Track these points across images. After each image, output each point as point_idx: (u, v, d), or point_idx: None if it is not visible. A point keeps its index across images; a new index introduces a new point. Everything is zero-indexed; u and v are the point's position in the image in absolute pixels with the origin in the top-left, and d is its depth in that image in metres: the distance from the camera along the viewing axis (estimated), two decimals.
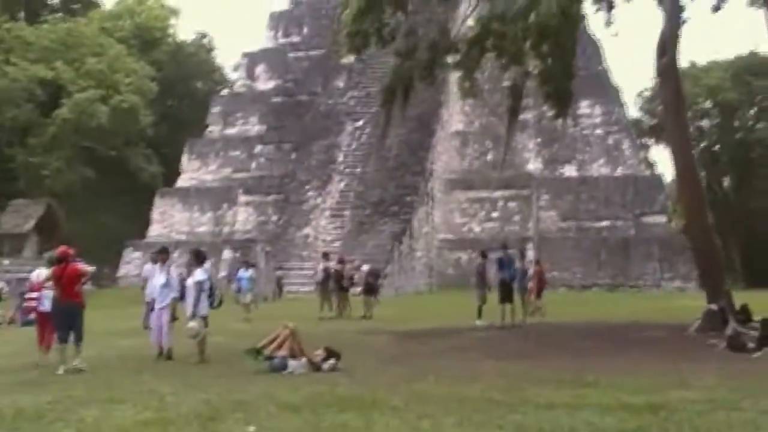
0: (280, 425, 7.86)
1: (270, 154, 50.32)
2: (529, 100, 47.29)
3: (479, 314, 20.98)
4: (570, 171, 46.51)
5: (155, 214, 51.62)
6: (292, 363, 11.99)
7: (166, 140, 59.66)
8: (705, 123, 61.38)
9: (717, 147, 61.38)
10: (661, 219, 44.19)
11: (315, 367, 12.05)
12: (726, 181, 63.98)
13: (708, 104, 59.48)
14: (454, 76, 45.06)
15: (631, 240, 42.76)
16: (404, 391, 9.94)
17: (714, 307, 17.98)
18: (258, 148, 50.87)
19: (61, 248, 12.84)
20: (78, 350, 12.70)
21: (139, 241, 50.33)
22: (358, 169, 44.19)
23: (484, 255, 22.35)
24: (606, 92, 48.26)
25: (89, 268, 13.25)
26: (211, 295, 13.32)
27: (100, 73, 53.42)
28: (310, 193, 43.65)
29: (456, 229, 45.53)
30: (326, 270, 24.33)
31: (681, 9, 19.89)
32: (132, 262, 49.61)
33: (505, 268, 20.81)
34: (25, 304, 14.08)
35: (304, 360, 12.06)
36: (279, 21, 57.86)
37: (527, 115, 48.44)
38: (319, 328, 19.26)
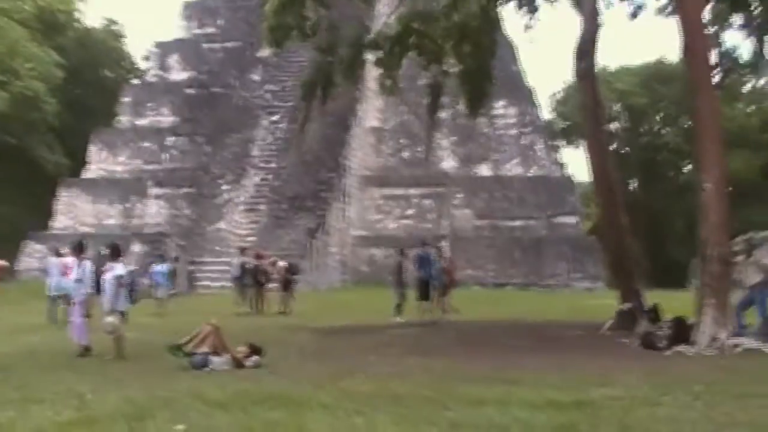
0: (209, 423, 7.64)
1: (183, 146, 49.19)
2: (445, 99, 47.90)
3: (397, 311, 21.05)
4: (484, 170, 47.11)
5: (60, 206, 49.67)
6: (214, 360, 11.73)
7: (72, 129, 57.42)
8: (614, 126, 63.22)
9: (626, 149, 63.37)
10: (572, 219, 45.23)
11: (238, 363, 11.81)
12: (634, 184, 66.10)
13: (618, 108, 61.34)
14: (371, 73, 45.18)
15: (543, 240, 43.62)
16: (332, 388, 9.83)
17: (625, 306, 18.56)
18: (170, 140, 49.61)
19: None
20: None
21: (42, 233, 48.43)
22: (274, 164, 43.72)
23: (402, 252, 22.43)
24: (521, 93, 49.06)
25: (3, 263, 12.79)
26: (131, 291, 12.88)
27: None
28: (224, 187, 42.90)
29: (371, 225, 45.56)
30: (243, 265, 23.95)
31: (598, 14, 20.41)
32: (34, 255, 47.63)
33: (425, 266, 20.93)
34: None
35: (226, 357, 11.81)
36: (193, 11, 56.48)
37: (442, 114, 48.72)
38: (237, 323, 18.89)
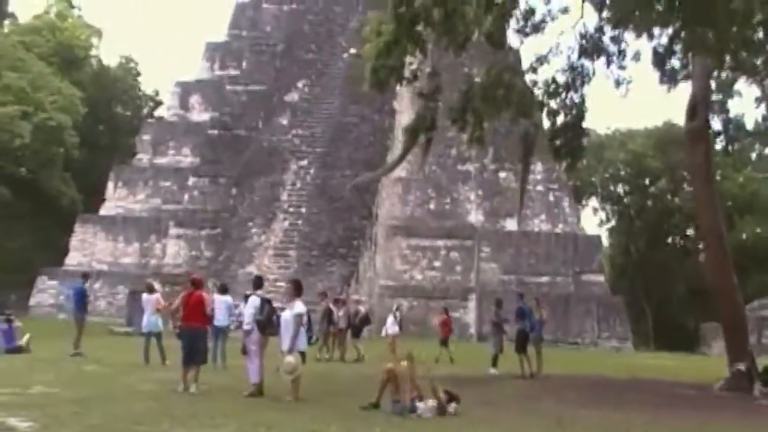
0: None
1: (204, 188, 48.60)
2: (471, 153, 48.11)
3: (494, 363, 20.66)
4: (511, 225, 47.06)
5: (74, 242, 48.59)
6: (420, 406, 11.27)
7: (85, 165, 56.62)
8: (625, 188, 63.85)
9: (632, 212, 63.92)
10: (599, 278, 45.24)
11: (441, 410, 11.36)
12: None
13: (628, 170, 61.97)
14: (400, 120, 45.26)
15: (570, 297, 43.46)
16: None
17: (741, 367, 18.40)
18: (191, 181, 49.01)
19: (194, 275, 14.01)
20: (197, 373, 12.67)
21: (55, 269, 47.33)
22: (304, 209, 43.27)
23: (499, 304, 22.19)
24: (547, 150, 49.26)
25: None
26: (309, 330, 12.38)
27: (20, 90, 50.40)
28: (253, 231, 42.29)
29: (397, 275, 45.15)
30: (330, 311, 23.36)
31: (710, 72, 20.57)
32: (46, 291, 46.69)
33: (525, 317, 20.67)
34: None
35: (433, 403, 11.34)
36: (216, 52, 56.24)
37: (468, 167, 49.05)
38: (342, 370, 18.36)
